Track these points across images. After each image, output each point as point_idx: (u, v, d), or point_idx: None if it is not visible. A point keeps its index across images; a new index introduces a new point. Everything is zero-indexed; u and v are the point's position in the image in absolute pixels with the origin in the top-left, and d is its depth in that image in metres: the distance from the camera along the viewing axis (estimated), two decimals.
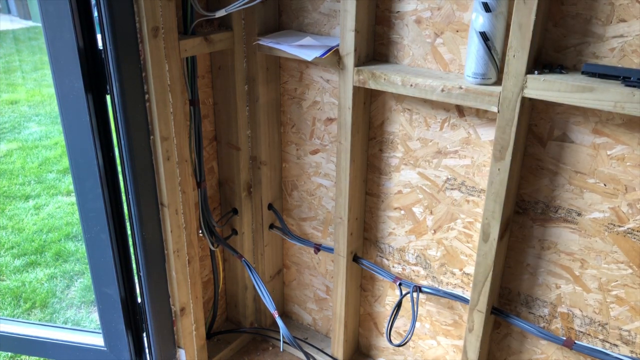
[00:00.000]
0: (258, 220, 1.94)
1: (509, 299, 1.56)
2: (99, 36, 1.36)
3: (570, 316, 1.46)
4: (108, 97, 1.41)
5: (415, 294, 1.66)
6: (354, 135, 1.59)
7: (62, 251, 3.05)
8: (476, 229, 1.54)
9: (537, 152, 1.37)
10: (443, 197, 1.57)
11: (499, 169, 1.34)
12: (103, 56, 1.35)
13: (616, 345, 1.41)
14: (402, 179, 1.64)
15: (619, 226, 1.31)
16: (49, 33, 1.34)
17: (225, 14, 1.54)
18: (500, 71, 1.29)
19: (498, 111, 1.28)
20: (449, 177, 1.54)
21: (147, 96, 1.41)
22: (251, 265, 1.87)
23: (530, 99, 1.28)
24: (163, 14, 1.37)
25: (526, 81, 1.21)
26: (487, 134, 1.43)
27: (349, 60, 1.48)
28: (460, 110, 1.46)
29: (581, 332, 1.45)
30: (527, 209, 1.44)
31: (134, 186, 1.47)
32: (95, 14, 1.34)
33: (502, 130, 1.29)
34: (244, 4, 1.51)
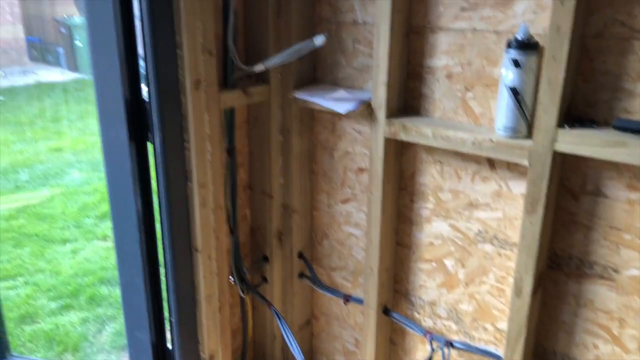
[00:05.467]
0: (288, 269, 1.95)
1: (544, 357, 1.51)
2: (144, 87, 1.45)
3: None
4: (150, 145, 1.48)
5: (446, 350, 1.62)
6: (385, 185, 1.61)
7: (95, 295, 3.11)
8: (509, 284, 1.52)
9: (570, 206, 1.36)
10: (475, 250, 1.56)
11: (530, 223, 1.33)
12: (147, 106, 1.43)
13: None
14: (434, 230, 1.64)
15: None
16: (98, 84, 1.43)
17: (263, 69, 1.62)
18: (530, 125, 1.31)
19: (529, 165, 1.29)
20: (481, 229, 1.53)
21: (186, 145, 1.48)
22: (280, 314, 1.87)
23: (562, 153, 1.28)
24: (205, 68, 1.45)
25: (557, 135, 1.22)
26: (519, 187, 1.43)
27: (381, 113, 1.53)
28: (491, 163, 1.47)
29: None
30: (561, 264, 1.41)
31: (170, 231, 1.51)
32: (142, 66, 1.43)
33: (533, 183, 1.29)
34: (281, 60, 1.59)
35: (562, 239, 1.40)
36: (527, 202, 1.32)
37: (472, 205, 1.53)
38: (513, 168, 1.43)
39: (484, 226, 1.53)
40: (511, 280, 1.50)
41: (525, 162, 1.29)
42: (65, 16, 10.39)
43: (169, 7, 1.36)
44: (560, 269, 1.42)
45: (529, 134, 1.31)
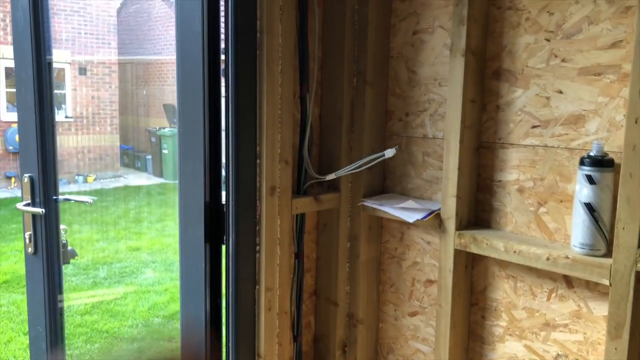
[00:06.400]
0: None
1: None
2: (223, 192, 1.54)
3: None
4: (223, 247, 1.54)
5: None
6: (455, 299, 1.56)
7: None
8: None
9: None
10: None
11: (616, 349, 1.23)
12: (224, 210, 1.51)
13: None
14: (507, 350, 1.54)
15: None
16: (182, 188, 1.55)
17: (334, 177, 1.69)
18: (609, 243, 1.25)
19: (610, 284, 1.22)
20: (560, 353, 1.43)
21: (258, 248, 1.53)
22: None
23: None
24: (281, 176, 1.54)
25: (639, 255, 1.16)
26: (600, 308, 1.34)
27: (450, 224, 1.52)
28: (569, 281, 1.40)
29: None
30: None
31: (235, 334, 1.52)
32: (223, 174, 1.53)
33: (616, 305, 1.21)
34: (352, 170, 1.66)
35: None
36: (611, 326, 1.23)
37: (549, 325, 1.44)
38: (593, 287, 1.35)
39: (563, 349, 1.42)
40: None
41: (606, 282, 1.22)
42: (157, 127, 11.43)
43: (252, 121, 1.49)
44: None
45: (609, 252, 1.25)
